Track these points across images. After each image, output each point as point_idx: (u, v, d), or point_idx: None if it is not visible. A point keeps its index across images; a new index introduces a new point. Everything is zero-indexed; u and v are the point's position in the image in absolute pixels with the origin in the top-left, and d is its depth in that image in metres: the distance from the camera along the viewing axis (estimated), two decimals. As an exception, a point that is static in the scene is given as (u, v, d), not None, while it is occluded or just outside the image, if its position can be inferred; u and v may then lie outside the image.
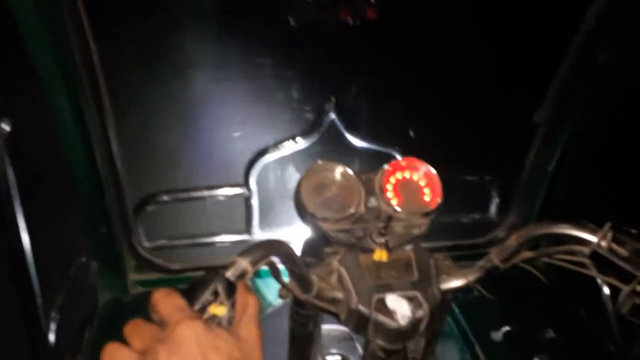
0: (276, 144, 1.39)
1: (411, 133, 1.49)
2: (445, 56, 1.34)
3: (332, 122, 1.40)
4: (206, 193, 1.45)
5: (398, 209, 0.72)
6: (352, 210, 0.69)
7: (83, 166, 1.10)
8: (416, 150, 0.86)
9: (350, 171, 0.73)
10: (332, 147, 1.41)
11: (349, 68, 1.44)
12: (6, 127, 0.64)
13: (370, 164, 1.43)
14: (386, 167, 0.76)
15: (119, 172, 1.26)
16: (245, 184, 1.43)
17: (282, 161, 1.42)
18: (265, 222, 1.52)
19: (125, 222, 1.37)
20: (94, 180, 1.17)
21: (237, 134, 1.40)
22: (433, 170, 0.76)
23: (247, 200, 1.46)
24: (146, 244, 1.45)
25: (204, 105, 1.37)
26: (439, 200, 0.73)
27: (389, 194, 0.73)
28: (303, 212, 0.69)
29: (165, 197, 1.42)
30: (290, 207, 0.73)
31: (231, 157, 1.41)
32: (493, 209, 1.65)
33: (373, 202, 0.72)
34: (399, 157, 1.44)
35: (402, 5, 1.37)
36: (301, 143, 1.39)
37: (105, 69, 0.94)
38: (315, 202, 0.69)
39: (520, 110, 1.45)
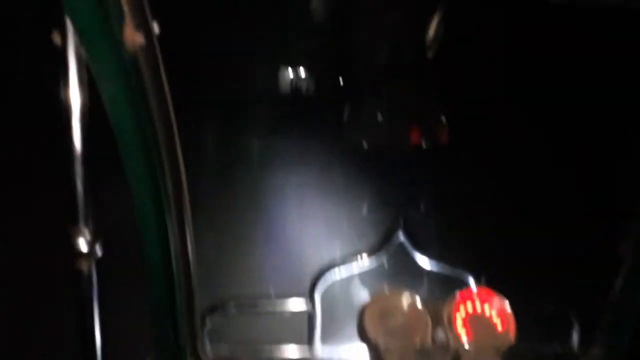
0: (343, 261, 1.38)
1: (484, 257, 1.44)
2: (521, 178, 1.32)
3: (401, 242, 1.39)
4: (271, 304, 1.44)
5: (467, 345, 0.68)
6: (417, 342, 0.66)
7: (159, 267, 1.14)
8: (490, 274, 0.83)
9: (417, 299, 0.71)
10: (400, 268, 1.39)
11: (419, 188, 1.46)
12: (98, 252, 0.69)
13: (441, 289, 1.39)
14: (456, 296, 0.73)
15: (193, 279, 1.29)
16: (311, 298, 1.42)
17: (349, 278, 1.41)
18: (328, 339, 1.48)
19: (192, 327, 1.38)
20: (168, 283, 1.20)
21: (306, 247, 1.42)
22: (507, 305, 0.72)
23: (310, 314, 1.44)
24: (210, 353, 1.43)
25: (277, 217, 1.41)
26: (512, 338, 0.69)
27: (459, 328, 0.70)
28: (365, 339, 0.67)
29: (232, 305, 1.43)
30: (354, 325, 0.71)
31: (298, 271, 1.42)
32: (575, 340, 1.50)
33: (441, 334, 0.68)
34: (471, 282, 1.38)
35: (475, 127, 1.40)
36: (368, 262, 1.38)
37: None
38: (379, 330, 0.67)
39: (602, 238, 1.38)
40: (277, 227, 1.43)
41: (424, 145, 1.54)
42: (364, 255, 1.35)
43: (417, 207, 1.44)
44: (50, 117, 0.65)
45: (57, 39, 0.61)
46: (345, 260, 1.36)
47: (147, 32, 0.63)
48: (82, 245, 0.69)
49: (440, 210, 1.44)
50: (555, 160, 1.29)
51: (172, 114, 0.82)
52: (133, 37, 0.60)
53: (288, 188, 1.41)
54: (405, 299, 0.72)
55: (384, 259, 1.36)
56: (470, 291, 0.74)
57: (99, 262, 0.72)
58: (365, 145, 1.45)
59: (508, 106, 1.37)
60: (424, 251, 1.38)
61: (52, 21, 0.61)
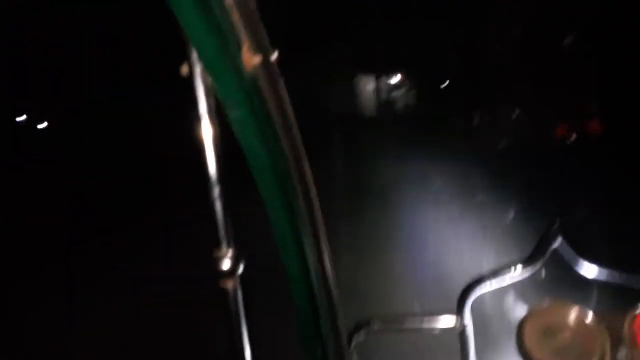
0: (493, 273, 1.27)
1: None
2: None
3: (558, 248, 1.24)
4: (418, 322, 1.38)
5: (660, 367, 0.55)
6: (594, 365, 0.56)
7: (302, 289, 1.15)
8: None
9: (589, 314, 0.60)
10: (558, 278, 1.23)
11: (575, 186, 1.30)
12: (240, 269, 0.72)
13: (610, 301, 1.20)
14: (638, 309, 0.61)
15: (334, 296, 1.29)
16: (460, 315, 1.32)
17: (501, 292, 1.29)
18: (483, 357, 1.36)
19: (340, 348, 1.37)
20: (312, 305, 1.21)
21: (452, 261, 1.34)
22: None
23: (462, 332, 1.34)
24: (357, 373, 1.41)
25: (419, 232, 1.36)
26: None
27: (646, 346, 0.57)
28: (528, 359, 0.58)
29: (378, 324, 1.39)
30: (510, 344, 0.62)
31: (445, 286, 1.34)
32: None
33: (623, 355, 0.57)
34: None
35: (628, 112, 1.21)
36: (522, 272, 1.25)
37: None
38: (545, 350, 0.58)
39: None
40: (421, 242, 1.37)
41: (572, 138, 1.38)
42: (518, 265, 1.23)
43: (576, 208, 1.28)
44: (186, 146, 0.69)
45: (185, 70, 0.64)
46: (496, 272, 1.24)
47: (265, 53, 0.64)
48: (226, 265, 0.71)
49: (603, 209, 1.27)
50: None
51: (298, 134, 0.82)
52: (251, 59, 0.61)
53: (428, 200, 1.35)
54: (573, 314, 0.61)
55: (540, 268, 1.22)
56: (657, 302, 0.61)
57: (245, 281, 0.75)
58: (504, 143, 1.33)
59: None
60: (587, 257, 1.21)
61: (179, 54, 0.64)
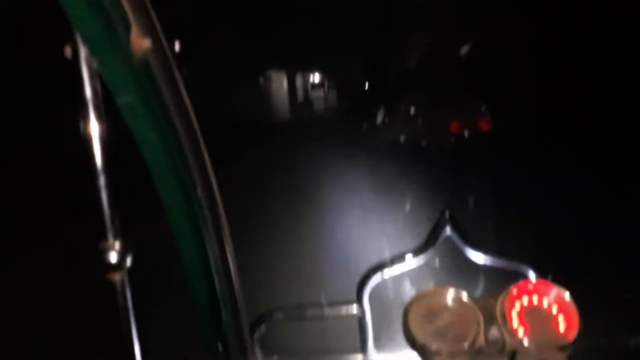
0: (389, 261, 1.34)
1: (541, 245, 1.36)
2: (584, 156, 1.24)
3: (448, 236, 1.33)
4: (319, 310, 1.41)
5: (525, 341, 0.62)
6: (469, 342, 0.61)
7: (201, 283, 1.13)
8: (550, 267, 0.76)
9: (465, 295, 0.66)
10: (450, 264, 1.33)
11: (464, 178, 1.40)
12: (128, 261, 0.69)
13: (498, 285, 1.31)
14: (511, 290, 0.67)
15: (235, 288, 1.28)
16: (359, 302, 1.38)
17: (396, 279, 1.36)
18: (380, 343, 1.43)
19: (242, 341, 1.36)
20: (212, 298, 1.19)
21: (349, 249, 1.39)
22: (567, 296, 0.65)
23: (361, 319, 1.40)
24: (260, 364, 1.42)
25: (320, 222, 1.39)
26: (575, 332, 0.62)
27: (514, 323, 0.63)
28: (412, 343, 0.62)
29: (279, 315, 1.41)
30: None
31: (344, 274, 1.39)
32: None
33: (494, 332, 0.63)
34: (531, 275, 1.30)
35: (516, 113, 1.33)
36: (415, 260, 1.32)
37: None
38: (426, 332, 0.62)
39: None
40: (320, 232, 1.41)
41: (465, 134, 1.48)
42: (411, 254, 1.30)
43: (464, 199, 1.38)
44: (70, 135, 0.64)
45: (68, 52, 0.60)
46: (392, 260, 1.31)
47: (155, 36, 0.61)
48: (113, 258, 0.68)
49: (489, 200, 1.38)
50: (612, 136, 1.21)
51: (194, 122, 0.80)
52: (140, 42, 0.58)
53: (327, 192, 1.39)
54: (452, 296, 0.66)
55: (433, 256, 1.31)
56: (527, 284, 0.68)
57: (132, 275, 0.72)
58: (402, 139, 1.40)
59: (552, 84, 1.29)
60: (475, 245, 1.31)
61: (64, 36, 0.60)
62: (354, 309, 1.38)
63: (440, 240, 1.31)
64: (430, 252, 1.30)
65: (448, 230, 1.32)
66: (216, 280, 1.16)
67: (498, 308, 0.65)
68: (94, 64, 0.62)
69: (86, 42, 0.59)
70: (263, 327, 1.40)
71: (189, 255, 1.02)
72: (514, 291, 0.67)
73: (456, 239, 1.33)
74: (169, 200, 0.88)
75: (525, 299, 0.66)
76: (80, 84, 0.63)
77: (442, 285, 0.67)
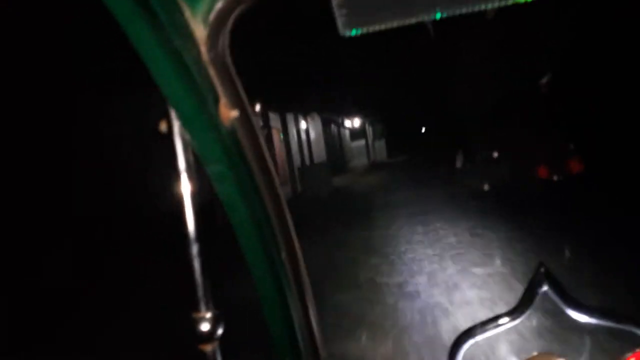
0: (482, 325, 1.27)
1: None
2: None
3: (545, 294, 1.24)
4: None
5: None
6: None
7: (286, 345, 1.13)
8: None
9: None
10: (549, 325, 1.24)
11: (560, 229, 1.32)
12: (219, 331, 0.71)
13: (604, 348, 1.20)
14: (627, 358, 0.61)
15: (320, 354, 1.27)
16: (451, 368, 1.31)
17: (491, 344, 1.28)
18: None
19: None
20: (295, 350, 1.19)
21: (440, 313, 1.33)
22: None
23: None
24: None
25: (404, 285, 1.36)
26: None
27: (639, 399, 0.58)
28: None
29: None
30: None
31: (433, 338, 1.33)
32: None
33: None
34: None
35: (610, 151, 1.25)
36: (510, 322, 1.24)
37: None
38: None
39: None
40: (405, 292, 1.37)
41: (554, 179, 1.41)
42: (506, 316, 1.22)
43: (559, 250, 1.30)
44: (164, 204, 0.69)
45: (163, 127, 0.65)
46: (485, 323, 1.23)
47: (242, 107, 0.65)
48: (205, 328, 0.70)
49: (589, 252, 1.29)
50: None
51: (278, 187, 0.83)
52: (228, 114, 0.62)
53: (413, 247, 1.36)
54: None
55: (530, 317, 1.22)
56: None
57: (224, 344, 0.73)
58: (485, 187, 1.36)
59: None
60: (576, 305, 1.21)
61: (159, 112, 0.65)
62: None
63: (537, 299, 1.23)
64: (527, 313, 1.22)
65: (545, 287, 1.23)
66: (301, 344, 1.16)
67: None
68: (187, 136, 0.66)
69: (180, 116, 0.63)
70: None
71: (274, 320, 1.03)
72: (633, 358, 0.61)
73: (554, 296, 1.24)
74: (253, 264, 0.91)
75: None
76: (173, 155, 0.67)
77: (548, 353, 0.62)
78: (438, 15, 0.54)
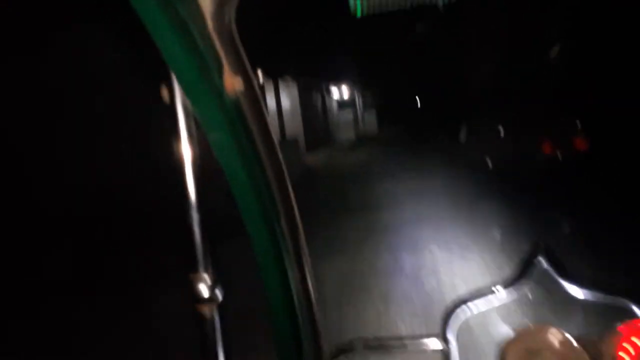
0: (477, 295, 1.29)
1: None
2: None
3: (543, 269, 1.26)
4: (401, 345, 1.39)
5: (640, 390, 0.58)
6: (575, 389, 0.58)
7: (283, 313, 1.16)
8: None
9: (569, 337, 0.63)
10: (544, 299, 1.26)
11: (558, 205, 1.33)
12: (219, 297, 0.72)
13: (598, 320, 1.23)
14: (617, 329, 0.63)
15: (316, 319, 1.30)
16: (443, 338, 1.34)
17: (485, 314, 1.31)
18: (468, 382, 1.38)
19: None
20: (293, 329, 1.21)
21: (436, 282, 1.36)
22: (685, 339, 0.61)
23: (446, 356, 1.35)
24: (340, 399, 1.41)
25: (401, 253, 1.38)
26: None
27: (625, 368, 0.60)
28: (511, 386, 0.60)
29: (360, 346, 1.40)
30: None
31: (427, 307, 1.36)
32: None
33: (603, 378, 0.59)
34: (636, 309, 1.21)
35: (617, 129, 1.26)
36: (506, 294, 1.27)
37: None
38: (526, 375, 0.60)
39: None
40: (401, 262, 1.39)
41: (559, 156, 1.41)
42: (502, 287, 1.25)
43: (559, 226, 1.31)
44: (164, 169, 0.70)
45: (165, 94, 0.66)
46: (480, 293, 1.26)
47: (246, 77, 0.66)
48: (204, 291, 0.72)
49: (588, 228, 1.30)
50: None
51: (280, 156, 0.84)
52: (232, 83, 0.63)
53: (409, 220, 1.38)
54: (554, 336, 0.64)
55: (524, 289, 1.24)
56: (636, 323, 0.64)
57: (223, 307, 0.75)
58: (489, 163, 1.37)
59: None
60: (571, 278, 1.23)
61: (160, 78, 0.66)
62: (438, 343, 1.34)
63: (534, 272, 1.25)
64: (522, 285, 1.24)
65: (542, 261, 1.25)
66: (298, 310, 1.19)
67: (605, 350, 0.62)
68: (189, 103, 0.67)
69: (182, 84, 0.64)
70: (343, 358, 1.40)
71: (272, 285, 1.05)
72: (623, 332, 0.63)
73: (551, 270, 1.26)
74: (254, 231, 0.93)
75: (636, 341, 0.62)
76: (175, 123, 0.68)
77: (543, 323, 0.64)
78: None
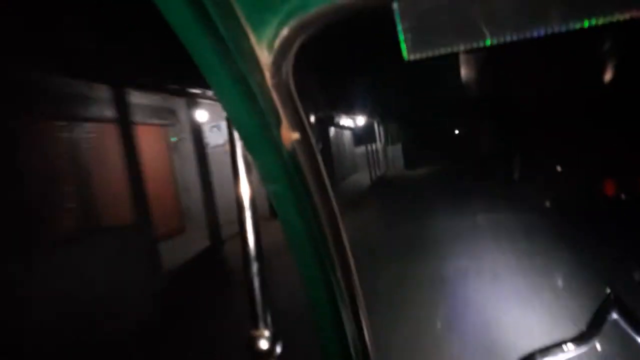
0: (544, 351, 1.23)
1: None
2: None
3: (615, 322, 1.19)
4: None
5: None
6: None
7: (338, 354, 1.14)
8: None
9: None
10: (616, 353, 1.19)
11: (627, 251, 1.27)
12: (277, 349, 0.72)
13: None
14: None
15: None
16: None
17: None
18: None
19: None
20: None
21: (499, 336, 1.30)
22: None
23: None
24: None
25: (463, 307, 1.34)
26: None
27: None
28: None
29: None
30: None
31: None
32: None
33: None
34: None
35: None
36: (575, 350, 1.20)
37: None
38: None
39: None
40: (462, 314, 1.35)
41: (622, 196, 1.36)
42: (570, 343, 1.18)
43: (629, 276, 1.25)
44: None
45: (226, 147, 0.68)
46: (549, 349, 1.19)
47: (302, 129, 0.68)
48: (264, 346, 0.72)
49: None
50: None
51: (335, 207, 0.85)
52: (289, 136, 0.65)
53: (467, 269, 1.34)
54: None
55: (594, 342, 1.17)
56: None
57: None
58: (547, 203, 1.31)
59: None
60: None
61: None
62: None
63: (606, 326, 1.18)
64: (592, 341, 1.17)
65: (614, 313, 1.18)
66: (353, 356, 1.17)
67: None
68: (249, 156, 0.69)
69: (243, 137, 0.66)
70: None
71: (328, 341, 1.04)
72: None
73: (624, 324, 1.19)
74: (309, 283, 0.93)
75: None
76: (235, 175, 0.70)
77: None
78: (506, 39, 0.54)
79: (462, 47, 0.55)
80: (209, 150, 10.47)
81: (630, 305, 1.19)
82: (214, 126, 10.40)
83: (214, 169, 10.10)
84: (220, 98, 0.63)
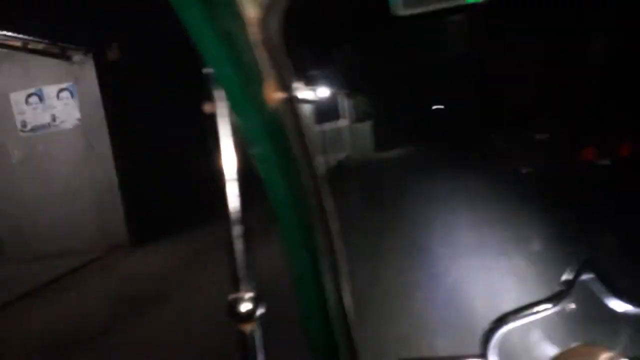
0: (517, 311, 1.27)
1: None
2: None
3: (587, 284, 1.24)
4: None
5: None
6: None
7: (320, 327, 1.16)
8: None
9: (618, 357, 0.62)
10: (588, 315, 1.23)
11: (602, 215, 1.31)
12: (259, 311, 0.73)
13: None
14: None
15: (353, 336, 1.30)
16: (483, 356, 1.32)
17: (527, 331, 1.29)
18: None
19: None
20: (330, 343, 1.22)
21: (475, 297, 1.35)
22: None
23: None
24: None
25: (439, 265, 1.38)
26: None
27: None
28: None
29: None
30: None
31: (467, 326, 1.35)
32: None
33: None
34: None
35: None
36: (549, 308, 1.25)
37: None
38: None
39: None
40: (440, 277, 1.39)
41: (599, 162, 1.39)
42: (544, 304, 1.22)
43: (605, 239, 1.29)
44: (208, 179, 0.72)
45: (208, 108, 0.68)
46: (522, 309, 1.24)
47: (287, 89, 0.68)
48: (245, 308, 0.72)
49: (632, 238, 1.27)
50: None
51: (319, 169, 0.85)
52: (274, 95, 0.65)
53: (446, 230, 1.37)
54: (601, 357, 0.63)
55: (568, 305, 1.22)
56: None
57: (263, 323, 0.76)
58: (525, 169, 1.34)
59: None
60: (618, 294, 1.20)
61: (203, 93, 0.69)
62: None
63: (577, 286, 1.22)
64: (567, 302, 1.22)
65: (587, 273, 1.23)
66: (335, 326, 1.20)
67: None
68: (233, 117, 0.69)
69: (228, 96, 0.66)
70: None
71: (308, 301, 1.06)
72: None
73: (597, 284, 1.23)
74: (291, 246, 0.94)
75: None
76: (217, 136, 0.70)
77: (590, 343, 0.63)
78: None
79: (452, 2, 0.55)
80: (25, 135, 7.17)
81: (603, 267, 1.24)
82: (31, 94, 6.99)
83: (36, 169, 7.20)
84: (204, 55, 0.62)
